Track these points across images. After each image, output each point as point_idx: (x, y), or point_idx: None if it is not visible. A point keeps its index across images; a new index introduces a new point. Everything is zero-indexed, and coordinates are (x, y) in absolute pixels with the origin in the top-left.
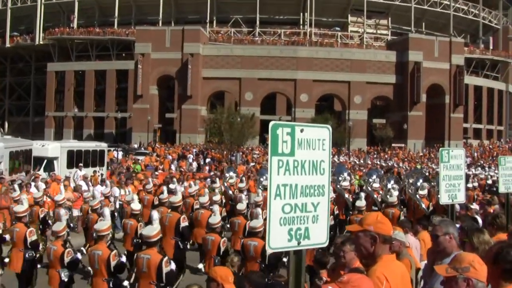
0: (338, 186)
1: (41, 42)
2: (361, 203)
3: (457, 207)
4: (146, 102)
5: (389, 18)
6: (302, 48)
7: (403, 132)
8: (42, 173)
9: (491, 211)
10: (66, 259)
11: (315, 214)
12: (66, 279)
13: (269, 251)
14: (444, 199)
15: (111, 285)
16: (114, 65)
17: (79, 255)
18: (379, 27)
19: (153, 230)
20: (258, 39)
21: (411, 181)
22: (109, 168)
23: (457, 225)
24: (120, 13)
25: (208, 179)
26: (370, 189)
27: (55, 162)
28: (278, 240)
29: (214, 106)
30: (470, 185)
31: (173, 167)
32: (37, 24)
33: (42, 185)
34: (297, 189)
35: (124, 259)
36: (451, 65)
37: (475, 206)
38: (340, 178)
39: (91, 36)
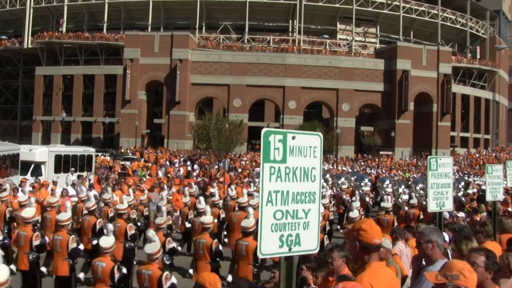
0: (360, 191)
1: (30, 46)
2: (388, 204)
3: (446, 214)
4: (134, 107)
5: (378, 27)
6: (291, 55)
7: (391, 140)
8: (29, 178)
9: (478, 219)
10: (168, 247)
11: (306, 221)
12: (168, 262)
13: (260, 256)
14: (432, 207)
15: (212, 267)
16: (103, 70)
17: (175, 244)
18: (367, 35)
19: (250, 223)
20: (247, 46)
21: (420, 186)
22: (97, 173)
23: (445, 233)
24: (109, 18)
25: (196, 185)
26: (384, 193)
27: (42, 166)
28: (269, 246)
29: (202, 112)
30: (470, 191)
31: (160, 173)
32: (26, 27)
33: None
34: (288, 195)
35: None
36: (438, 74)
37: (461, 214)
38: (362, 184)
39: (79, 40)
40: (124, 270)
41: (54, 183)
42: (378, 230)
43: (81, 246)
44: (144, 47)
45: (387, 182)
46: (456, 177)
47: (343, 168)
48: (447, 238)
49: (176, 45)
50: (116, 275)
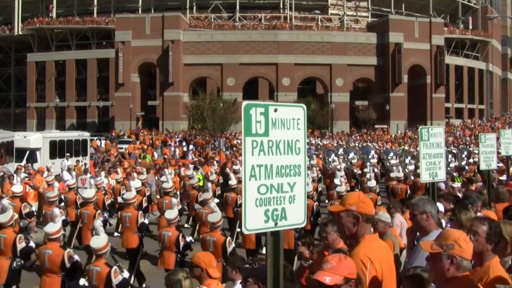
0: (368, 163)
1: (20, 33)
2: (400, 174)
3: (442, 185)
4: (128, 90)
5: (369, 0)
6: (283, 32)
7: (386, 113)
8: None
9: (473, 189)
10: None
11: (291, 195)
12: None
13: (245, 232)
14: (425, 177)
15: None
16: (95, 54)
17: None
18: (359, 9)
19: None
20: (238, 24)
21: None
22: (93, 157)
23: (439, 204)
24: (99, 2)
25: (192, 165)
26: (389, 164)
27: (37, 153)
28: (254, 221)
29: (196, 92)
30: (471, 160)
31: (156, 154)
32: (16, 14)
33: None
34: (272, 169)
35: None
36: (431, 46)
37: (457, 184)
38: (370, 157)
39: (70, 25)
40: (188, 239)
41: (48, 169)
42: (371, 202)
43: (146, 221)
44: (135, 29)
45: (392, 154)
46: (451, 148)
47: (336, 143)
48: (441, 209)
49: (167, 26)
50: (181, 243)
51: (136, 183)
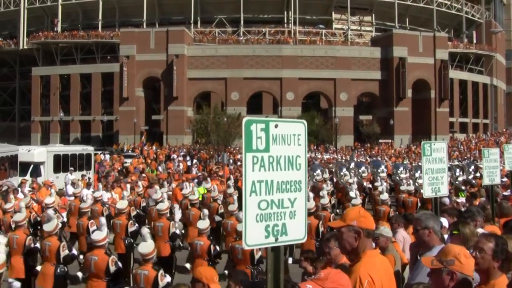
0: (378, 177)
1: (25, 47)
2: (411, 187)
3: (446, 200)
4: (132, 104)
5: (373, 15)
6: (287, 46)
7: (390, 127)
8: (28, 178)
9: (477, 203)
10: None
11: (292, 210)
12: None
13: (245, 248)
14: (427, 193)
15: None
16: (99, 68)
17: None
18: (363, 24)
19: (311, 205)
20: (242, 39)
21: None
22: (98, 171)
23: (443, 219)
24: (103, 16)
25: (196, 180)
26: (398, 178)
27: (41, 167)
28: (255, 237)
29: (200, 106)
30: (478, 174)
31: (160, 168)
32: (21, 28)
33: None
34: (273, 185)
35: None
36: (435, 60)
37: (461, 199)
38: (379, 171)
39: (75, 39)
40: (218, 248)
41: (51, 184)
42: (371, 217)
43: (178, 231)
44: (140, 43)
45: (401, 168)
46: (456, 161)
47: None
48: (445, 224)
49: (171, 40)
50: (213, 251)
51: (157, 196)
